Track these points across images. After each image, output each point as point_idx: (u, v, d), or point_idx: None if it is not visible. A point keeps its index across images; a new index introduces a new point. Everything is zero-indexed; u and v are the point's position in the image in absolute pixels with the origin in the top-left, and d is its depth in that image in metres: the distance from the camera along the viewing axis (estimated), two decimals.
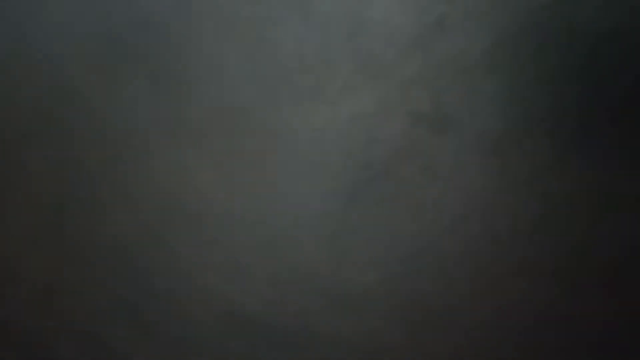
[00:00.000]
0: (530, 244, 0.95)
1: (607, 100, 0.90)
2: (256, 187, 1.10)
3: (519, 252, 0.96)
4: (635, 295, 0.93)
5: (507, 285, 0.99)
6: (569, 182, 0.92)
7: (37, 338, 1.17)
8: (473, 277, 0.99)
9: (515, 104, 0.92)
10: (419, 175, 0.99)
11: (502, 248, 0.97)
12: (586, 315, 0.95)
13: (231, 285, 1.16)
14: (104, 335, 1.18)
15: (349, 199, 1.04)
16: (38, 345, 1.16)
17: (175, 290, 1.20)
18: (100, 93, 1.12)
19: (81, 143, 1.16)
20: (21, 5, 1.17)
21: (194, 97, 1.10)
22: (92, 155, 1.16)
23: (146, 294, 1.19)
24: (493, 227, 0.97)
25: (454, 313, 1.01)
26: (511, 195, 0.95)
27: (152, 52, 1.14)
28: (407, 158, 0.99)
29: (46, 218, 1.17)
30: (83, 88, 1.13)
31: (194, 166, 1.14)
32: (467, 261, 0.99)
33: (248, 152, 1.09)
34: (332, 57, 1.01)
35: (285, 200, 1.08)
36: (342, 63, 1.00)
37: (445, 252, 1.00)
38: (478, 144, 0.95)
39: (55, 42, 1.15)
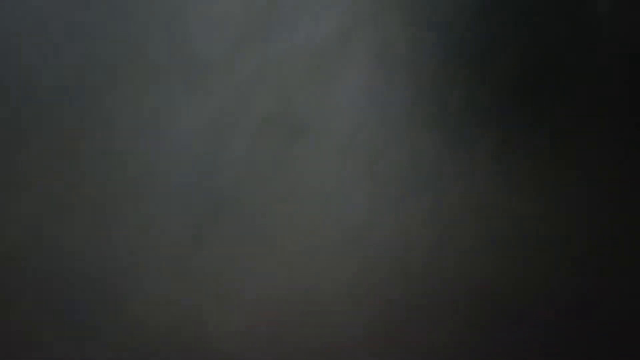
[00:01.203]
0: (421, 275, 0.81)
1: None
2: (84, 231, 0.88)
3: (412, 282, 0.82)
4: None
5: (404, 324, 0.84)
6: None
7: None
8: (358, 317, 0.84)
9: (385, 102, 0.76)
10: (278, 199, 0.81)
11: (387, 281, 0.82)
12: None
13: (68, 351, 0.95)
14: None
15: (195, 235, 0.84)
16: None
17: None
18: None
19: None
20: None
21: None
22: None
23: None
24: (375, 254, 0.81)
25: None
26: (394, 215, 0.79)
27: None
28: (260, 178, 0.80)
29: None
30: None
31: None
32: (348, 298, 0.83)
33: (68, 188, 0.87)
34: (154, 56, 0.80)
35: (123, 245, 0.87)
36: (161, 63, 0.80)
37: (322, 291, 0.83)
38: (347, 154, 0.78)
39: None
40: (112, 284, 0.90)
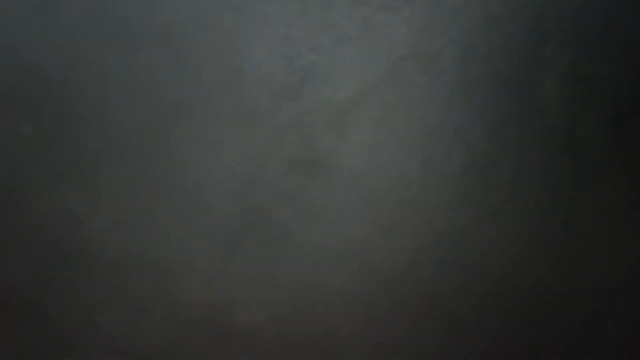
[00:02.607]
0: (405, 283, 1.02)
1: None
2: (146, 232, 1.12)
3: (397, 290, 1.03)
4: None
5: (394, 320, 1.05)
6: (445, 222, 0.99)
7: None
8: (358, 313, 1.05)
9: (386, 148, 0.98)
10: (297, 219, 1.04)
11: (384, 285, 1.04)
12: None
13: (129, 327, 1.18)
14: None
15: (233, 242, 1.07)
16: None
17: (75, 331, 1.20)
18: None
19: None
20: None
21: (81, 146, 1.11)
22: None
23: (47, 338, 1.20)
24: (371, 264, 1.03)
25: (340, 350, 1.07)
26: (387, 237, 1.01)
27: (37, 96, 1.14)
28: (285, 202, 1.03)
29: None
30: None
31: (84, 213, 1.15)
32: (350, 298, 1.05)
33: (137, 198, 1.11)
34: (210, 104, 1.03)
35: (175, 245, 1.10)
36: (219, 110, 1.03)
37: (330, 290, 1.06)
38: (353, 189, 1.00)
39: None
40: (164, 271, 1.14)
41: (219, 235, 1.09)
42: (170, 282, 1.14)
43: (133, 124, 1.07)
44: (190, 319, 1.15)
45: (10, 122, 1.08)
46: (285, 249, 1.06)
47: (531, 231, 0.99)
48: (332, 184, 1.01)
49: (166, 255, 1.13)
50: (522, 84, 0.93)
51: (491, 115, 0.95)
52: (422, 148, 0.97)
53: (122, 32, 1.04)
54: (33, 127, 1.11)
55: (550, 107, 0.93)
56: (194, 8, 1.01)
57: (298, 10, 0.97)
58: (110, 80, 1.07)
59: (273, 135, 1.02)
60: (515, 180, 0.96)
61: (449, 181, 0.98)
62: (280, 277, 1.07)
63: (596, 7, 0.91)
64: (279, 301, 1.08)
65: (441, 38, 0.93)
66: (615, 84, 0.91)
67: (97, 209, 1.14)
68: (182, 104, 1.04)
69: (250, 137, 1.03)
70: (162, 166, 1.08)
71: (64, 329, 1.20)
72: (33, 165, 1.13)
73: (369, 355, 1.08)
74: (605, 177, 0.95)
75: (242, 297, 1.11)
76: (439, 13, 0.92)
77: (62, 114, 1.10)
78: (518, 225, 0.99)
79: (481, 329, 1.06)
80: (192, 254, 1.11)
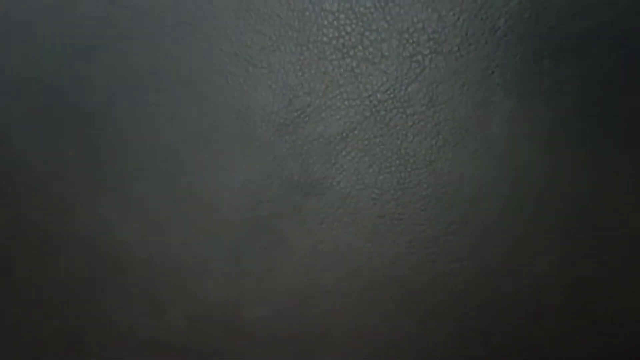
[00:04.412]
0: (384, 283, 1.24)
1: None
2: (170, 240, 1.33)
3: (378, 289, 1.25)
4: None
5: (375, 313, 1.27)
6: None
7: None
8: (346, 308, 1.27)
9: (368, 173, 1.20)
10: (295, 229, 1.25)
11: (367, 285, 1.25)
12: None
13: (153, 320, 1.39)
14: None
15: (242, 248, 1.29)
16: None
17: (108, 325, 1.41)
18: (39, 159, 1.32)
19: (25, 200, 1.35)
20: None
21: (116, 167, 1.32)
22: (33, 211, 1.35)
23: (85, 331, 1.41)
24: (355, 269, 1.25)
25: (329, 339, 1.28)
26: (369, 245, 1.23)
27: (81, 128, 1.34)
28: (285, 216, 1.25)
29: None
30: (27, 156, 1.32)
31: (118, 222, 1.36)
32: (339, 295, 1.27)
33: (162, 211, 1.32)
34: (224, 134, 1.25)
35: (194, 250, 1.32)
36: (231, 140, 1.25)
37: (322, 288, 1.27)
38: (342, 206, 1.22)
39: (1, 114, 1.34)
40: (184, 272, 1.35)
41: (230, 242, 1.30)
42: (188, 281, 1.35)
43: (160, 150, 1.29)
44: (205, 314, 1.36)
45: (59, 147, 1.30)
46: (285, 255, 1.28)
47: (487, 240, 1.21)
48: (324, 202, 1.23)
49: (185, 259, 1.34)
50: (476, 123, 1.15)
51: (452, 147, 1.16)
52: (397, 173, 1.19)
53: (154, 76, 1.25)
54: (77, 152, 1.33)
55: (498, 141, 1.15)
56: (212, 57, 1.22)
57: (296, 60, 1.18)
58: (142, 115, 1.28)
59: (275, 162, 1.24)
60: (472, 199, 1.18)
61: (419, 200, 1.20)
62: (281, 278, 1.29)
63: (532, 63, 1.12)
64: (280, 298, 1.30)
65: (412, 86, 1.15)
66: (549, 122, 1.13)
67: (127, 219, 1.35)
68: (201, 134, 1.26)
69: (256, 163, 1.25)
70: (183, 184, 1.30)
71: (99, 323, 1.41)
72: (76, 183, 1.35)
73: (354, 343, 1.30)
74: (545, 197, 1.17)
75: (249, 295, 1.32)
76: (410, 66, 1.14)
77: (101, 142, 1.31)
78: (476, 235, 1.21)
79: (448, 322, 1.28)
80: (207, 257, 1.33)
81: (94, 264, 1.37)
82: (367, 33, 1.15)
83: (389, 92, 1.16)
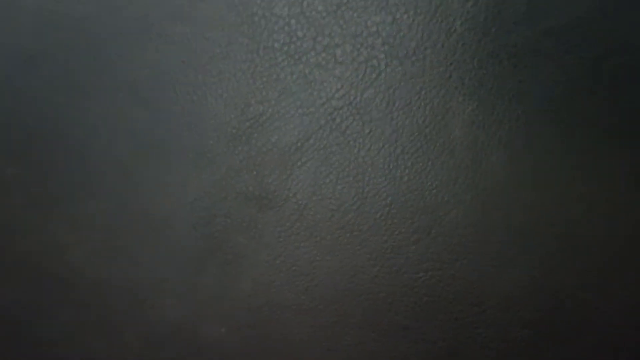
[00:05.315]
0: (345, 297, 1.19)
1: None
2: (122, 259, 1.27)
3: (339, 303, 1.20)
4: None
5: (338, 329, 1.22)
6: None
7: None
8: (306, 324, 1.22)
9: (326, 183, 1.15)
10: (251, 244, 1.20)
11: (328, 299, 1.20)
12: None
13: (108, 343, 1.32)
14: None
15: (197, 266, 1.23)
16: None
17: (58, 350, 1.34)
18: None
19: None
20: None
21: (62, 184, 1.26)
22: None
23: (34, 356, 1.33)
24: (315, 284, 1.20)
25: (298, 356, 1.23)
26: (329, 258, 1.18)
27: (20, 142, 1.28)
28: (241, 230, 1.20)
29: None
30: None
31: (66, 242, 1.29)
32: (299, 311, 1.22)
33: (113, 230, 1.26)
34: (175, 147, 1.19)
35: (147, 269, 1.26)
36: (183, 152, 1.19)
37: (281, 304, 1.22)
38: (299, 218, 1.17)
39: None
40: (137, 293, 1.28)
41: (184, 259, 1.24)
42: (143, 302, 1.29)
43: (109, 165, 1.23)
44: (162, 335, 1.30)
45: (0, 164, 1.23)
46: (242, 271, 1.22)
47: (449, 250, 1.17)
48: (280, 214, 1.18)
49: (139, 279, 1.28)
50: (436, 128, 1.11)
51: (411, 154, 1.12)
52: (356, 183, 1.14)
53: (99, 84, 1.19)
54: (19, 169, 1.26)
55: (459, 146, 1.11)
56: (160, 66, 1.17)
57: (247, 68, 1.13)
58: (88, 126, 1.22)
59: (229, 174, 1.18)
60: (434, 207, 1.14)
61: (379, 209, 1.15)
62: (239, 295, 1.24)
63: (491, 66, 1.09)
64: (238, 316, 1.24)
65: (368, 91, 1.11)
66: (509, 125, 1.10)
67: (76, 238, 1.28)
68: (152, 147, 1.20)
69: (209, 176, 1.19)
70: (135, 201, 1.24)
71: (48, 348, 1.34)
72: (20, 202, 1.28)
73: (316, 359, 1.24)
74: (507, 205, 1.13)
75: (206, 313, 1.26)
76: (365, 72, 1.10)
77: (45, 156, 1.25)
78: (440, 245, 1.17)
79: (413, 336, 1.23)
80: (162, 276, 1.26)
81: (41, 287, 1.30)
82: (319, 38, 1.10)
83: (344, 99, 1.12)
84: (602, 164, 1.07)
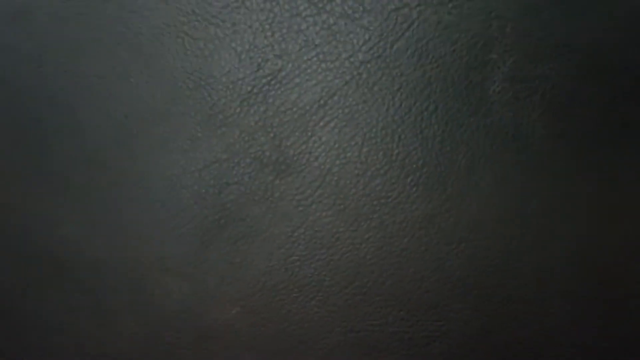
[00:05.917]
0: (371, 272, 1.09)
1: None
2: (121, 235, 1.14)
3: (364, 279, 1.09)
4: None
5: (360, 308, 1.12)
6: (401, 212, 1.07)
7: None
8: (327, 302, 1.11)
9: (351, 146, 1.05)
10: (267, 216, 1.09)
11: (351, 275, 1.10)
12: None
13: (102, 330, 1.20)
14: None
15: (206, 241, 1.11)
16: None
17: (47, 336, 1.21)
18: None
19: None
20: None
21: (53, 151, 1.13)
22: None
23: (21, 343, 1.20)
24: (338, 258, 1.09)
25: (309, 340, 1.12)
26: (353, 229, 1.08)
27: (6, 105, 1.15)
28: (256, 200, 1.09)
29: None
30: None
31: (58, 216, 1.16)
32: (319, 289, 1.11)
33: (110, 202, 1.14)
34: (182, 108, 1.08)
35: (149, 246, 1.14)
36: (190, 114, 1.08)
37: (300, 282, 1.11)
38: (321, 185, 1.06)
39: None
40: (139, 272, 1.16)
41: (191, 234, 1.13)
42: (144, 283, 1.17)
43: (106, 129, 1.11)
44: (165, 320, 1.18)
45: None
46: (257, 246, 1.11)
47: (484, 218, 1.08)
48: (300, 181, 1.07)
49: (140, 257, 1.16)
50: (470, 84, 1.01)
51: (445, 112, 1.03)
52: (383, 144, 1.04)
53: (94, 40, 1.07)
54: (4, 134, 1.13)
55: (496, 105, 1.02)
56: (165, 17, 1.05)
57: (265, 18, 1.03)
58: (82, 87, 1.10)
59: (243, 137, 1.07)
60: (469, 171, 1.05)
61: (408, 174, 1.05)
62: (252, 273, 1.12)
63: (534, 16, 1.00)
64: (251, 296, 1.13)
65: (398, 44, 1.01)
66: (552, 83, 1.01)
67: (69, 212, 1.16)
68: (155, 109, 1.08)
69: (221, 139, 1.08)
70: (135, 170, 1.12)
71: (36, 333, 1.21)
72: (5, 171, 1.15)
73: (337, 341, 1.13)
74: (549, 167, 1.05)
75: (216, 294, 1.15)
76: (395, 21, 1.00)
77: (33, 120, 1.12)
78: (474, 213, 1.08)
79: (443, 314, 1.13)
80: (165, 254, 1.15)
81: (31, 266, 1.17)
82: None
83: (372, 52, 1.01)
84: None
